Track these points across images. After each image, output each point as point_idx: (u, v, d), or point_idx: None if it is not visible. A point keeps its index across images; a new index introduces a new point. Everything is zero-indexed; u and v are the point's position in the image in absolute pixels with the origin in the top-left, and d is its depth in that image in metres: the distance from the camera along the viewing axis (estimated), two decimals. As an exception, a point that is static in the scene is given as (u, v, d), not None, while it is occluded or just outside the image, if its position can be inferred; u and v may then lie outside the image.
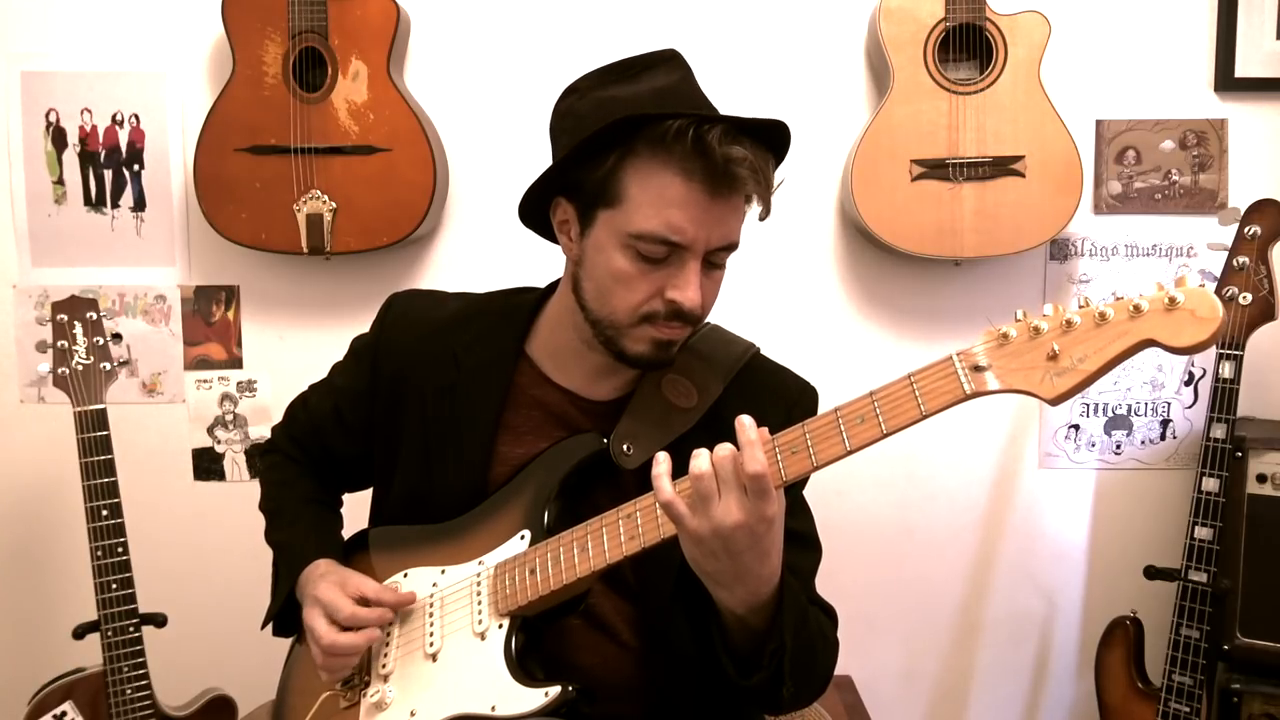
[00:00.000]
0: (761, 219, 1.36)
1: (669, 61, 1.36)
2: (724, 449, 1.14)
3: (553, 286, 1.51)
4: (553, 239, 1.45)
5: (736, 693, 1.29)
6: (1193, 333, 1.00)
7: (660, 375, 1.43)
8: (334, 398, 1.59)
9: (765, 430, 1.17)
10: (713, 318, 1.53)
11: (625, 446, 1.39)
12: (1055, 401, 1.06)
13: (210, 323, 2.55)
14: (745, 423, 1.14)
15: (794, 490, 1.46)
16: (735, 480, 1.13)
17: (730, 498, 1.13)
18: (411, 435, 1.48)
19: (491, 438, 1.44)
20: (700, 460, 1.15)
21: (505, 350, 1.48)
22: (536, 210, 1.43)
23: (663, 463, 1.18)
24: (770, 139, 1.30)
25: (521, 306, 1.51)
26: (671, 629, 1.35)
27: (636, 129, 1.26)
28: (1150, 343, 1.02)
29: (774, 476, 1.14)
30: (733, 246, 1.33)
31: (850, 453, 1.13)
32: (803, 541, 1.47)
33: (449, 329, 1.50)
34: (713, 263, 1.33)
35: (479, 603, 1.36)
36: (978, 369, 1.08)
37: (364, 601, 1.39)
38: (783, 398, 1.46)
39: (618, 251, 1.30)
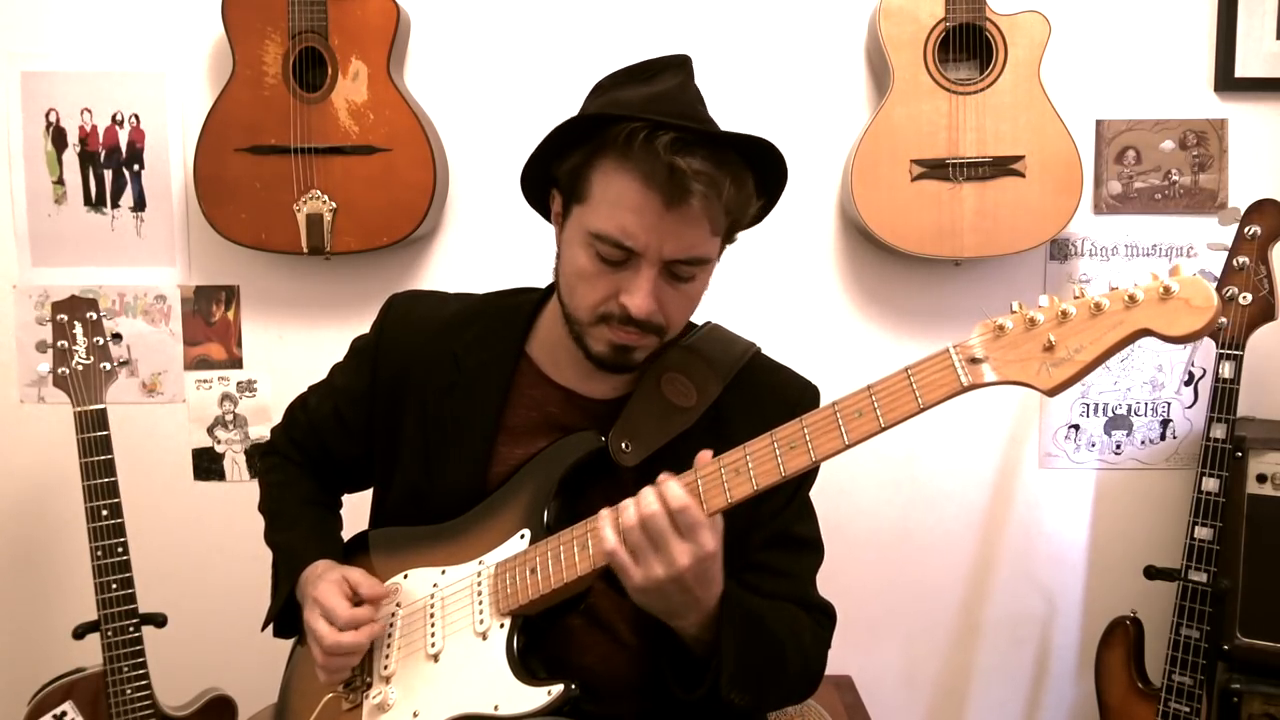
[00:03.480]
0: (725, 238, 1.35)
1: (676, 67, 1.37)
2: (650, 504, 1.18)
3: (552, 286, 1.51)
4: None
5: (682, 708, 1.31)
6: (1188, 322, 1.00)
7: (659, 373, 1.43)
8: (334, 398, 1.59)
9: (706, 453, 1.21)
10: (713, 317, 1.53)
11: (624, 445, 1.39)
12: (1052, 392, 1.06)
13: (210, 323, 2.55)
14: (679, 465, 1.20)
15: (799, 492, 1.48)
16: (669, 529, 1.17)
17: (670, 547, 1.17)
18: (412, 435, 1.48)
19: (492, 437, 1.44)
20: (627, 513, 1.20)
21: (505, 350, 1.48)
22: (540, 200, 1.45)
23: (605, 517, 1.22)
24: (749, 155, 1.29)
25: (521, 306, 1.52)
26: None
27: (605, 128, 1.26)
28: (1146, 332, 1.02)
29: (696, 509, 1.17)
30: (699, 260, 1.31)
31: (848, 447, 1.14)
32: (805, 545, 1.49)
33: (450, 329, 1.50)
34: (677, 274, 1.31)
35: (480, 602, 1.36)
36: (974, 361, 1.08)
37: (357, 597, 1.39)
38: (785, 397, 1.46)
39: (581, 248, 1.31)
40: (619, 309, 1.30)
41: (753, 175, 1.31)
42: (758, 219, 1.41)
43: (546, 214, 1.46)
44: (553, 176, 1.37)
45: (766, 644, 1.31)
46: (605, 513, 1.22)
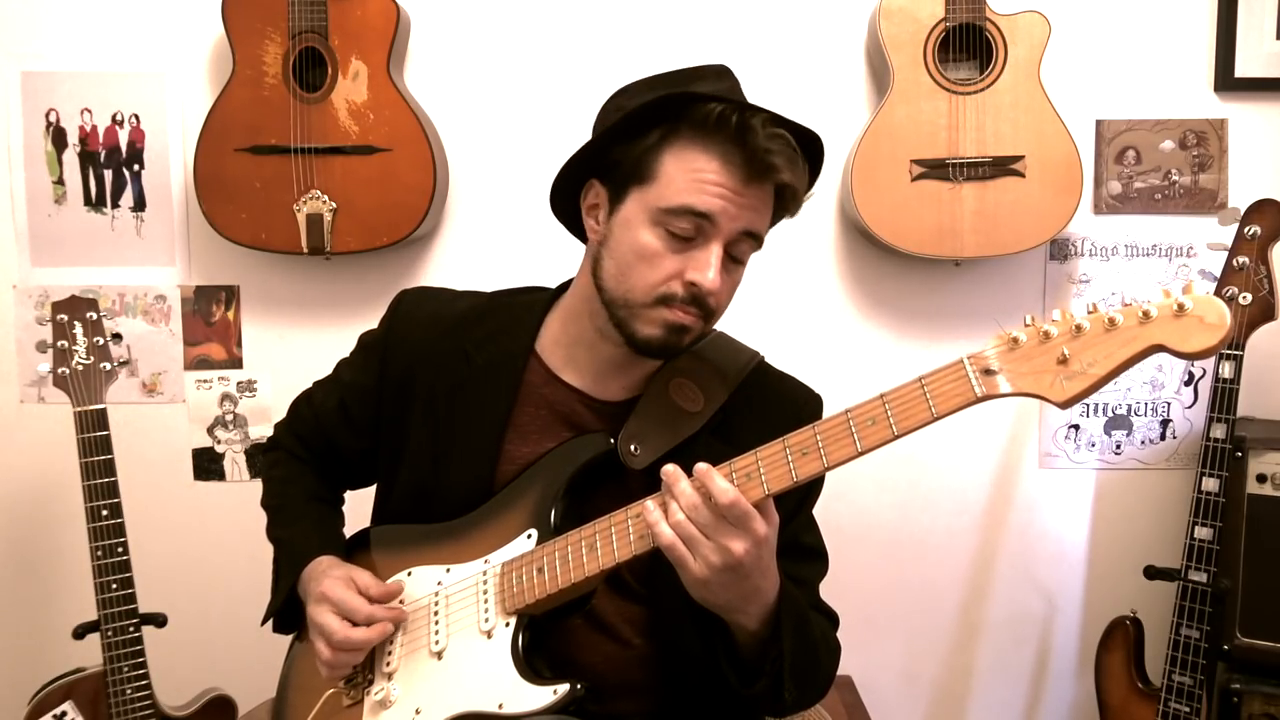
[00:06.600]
0: (790, 212, 1.39)
1: (720, 74, 1.39)
2: (690, 498, 1.18)
3: (564, 286, 1.52)
4: (571, 226, 1.48)
5: (740, 701, 1.32)
6: (1201, 339, 1.01)
7: (668, 378, 1.44)
8: (340, 393, 1.58)
9: (701, 465, 1.20)
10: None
11: (632, 447, 1.39)
12: (1065, 405, 1.07)
13: (210, 323, 2.55)
14: (686, 469, 1.19)
15: (806, 504, 1.49)
16: (715, 521, 1.17)
17: (721, 536, 1.16)
18: (419, 432, 1.47)
19: (500, 436, 1.44)
20: (674, 507, 1.19)
21: (516, 348, 1.48)
22: (568, 196, 1.45)
23: (655, 510, 1.21)
24: (806, 145, 1.33)
25: (533, 305, 1.52)
26: (684, 631, 1.35)
27: (682, 110, 1.29)
28: (1159, 348, 1.03)
29: (743, 500, 1.16)
30: (756, 239, 1.35)
31: (861, 454, 1.15)
32: (813, 553, 1.50)
33: (460, 326, 1.50)
34: (734, 256, 1.34)
35: (485, 601, 1.36)
36: (988, 372, 1.10)
37: (367, 596, 1.39)
38: (790, 404, 1.48)
39: (646, 228, 1.32)
40: (683, 288, 1.31)
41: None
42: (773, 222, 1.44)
43: (564, 212, 1.47)
44: (601, 166, 1.37)
45: (812, 643, 1.33)
46: (650, 505, 1.22)
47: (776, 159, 1.27)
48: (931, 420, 1.11)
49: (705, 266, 1.30)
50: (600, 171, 1.38)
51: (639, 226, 1.32)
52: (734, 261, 1.35)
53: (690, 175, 1.29)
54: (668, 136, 1.31)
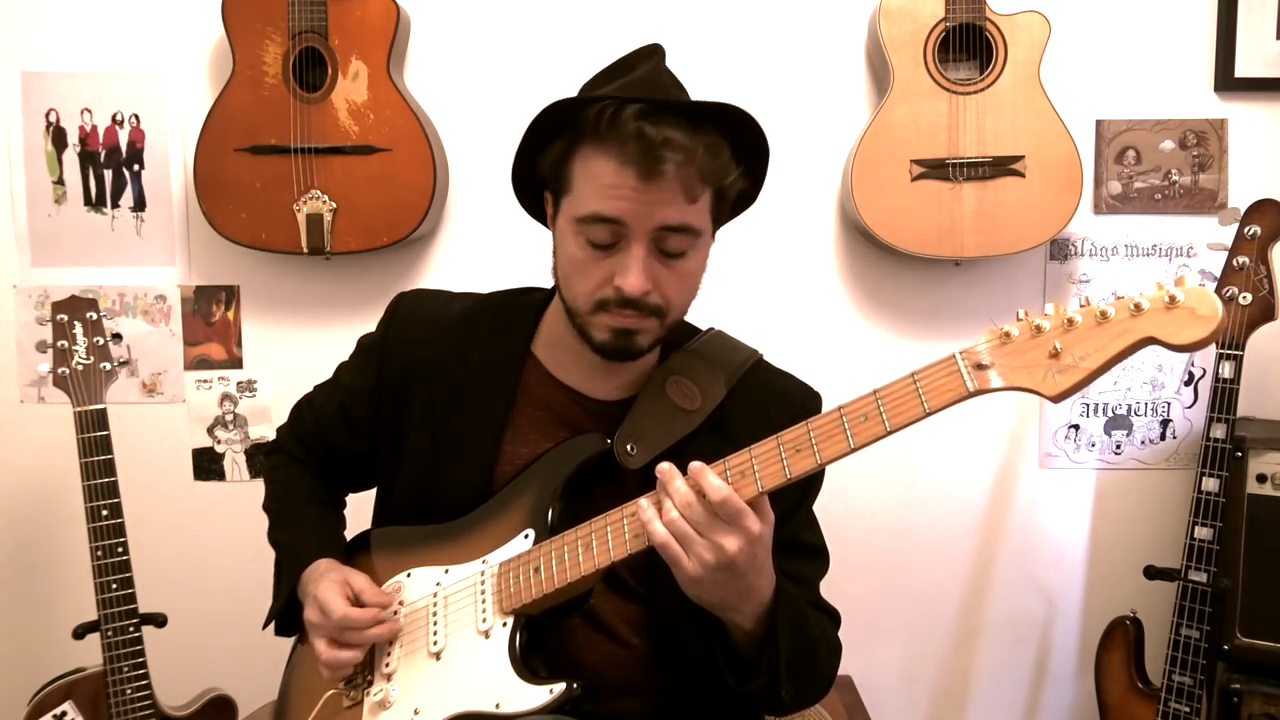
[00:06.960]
0: (714, 212, 1.34)
1: (648, 56, 1.37)
2: (684, 496, 1.17)
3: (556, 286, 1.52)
4: None
5: (738, 700, 1.31)
6: (1193, 331, 1.01)
7: (665, 377, 1.44)
8: (340, 396, 1.59)
9: (696, 463, 1.19)
10: (714, 314, 1.53)
11: (629, 447, 1.39)
12: (1057, 399, 1.07)
13: (210, 323, 2.55)
14: (683, 468, 1.18)
15: (805, 502, 1.49)
16: (708, 519, 1.16)
17: (715, 534, 1.16)
18: (418, 433, 1.48)
19: (498, 436, 1.44)
20: (668, 505, 1.18)
21: (513, 349, 1.48)
22: (539, 208, 1.45)
23: (649, 509, 1.21)
24: (721, 123, 1.29)
25: (529, 306, 1.52)
26: (682, 630, 1.35)
27: (577, 117, 1.28)
28: (1151, 340, 1.03)
29: (736, 497, 1.16)
30: (684, 230, 1.30)
31: (853, 450, 1.14)
32: (813, 551, 1.50)
33: (457, 327, 1.51)
34: (667, 250, 1.31)
35: (483, 601, 1.36)
36: (980, 367, 1.09)
37: (359, 603, 1.39)
38: (788, 403, 1.47)
39: (571, 238, 1.32)
40: (614, 292, 1.30)
41: (729, 144, 1.31)
42: (751, 194, 1.42)
43: (543, 219, 1.47)
44: (541, 176, 1.38)
45: (810, 641, 1.32)
46: (644, 504, 1.22)
47: (663, 149, 1.23)
48: (924, 415, 1.11)
49: (626, 270, 1.28)
50: (545, 183, 1.39)
51: (567, 237, 1.33)
52: (670, 256, 1.31)
53: (593, 182, 1.27)
54: (573, 144, 1.30)
